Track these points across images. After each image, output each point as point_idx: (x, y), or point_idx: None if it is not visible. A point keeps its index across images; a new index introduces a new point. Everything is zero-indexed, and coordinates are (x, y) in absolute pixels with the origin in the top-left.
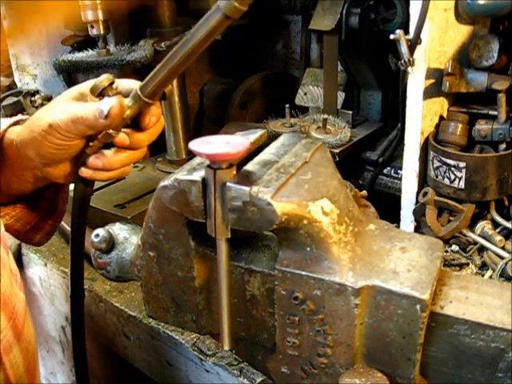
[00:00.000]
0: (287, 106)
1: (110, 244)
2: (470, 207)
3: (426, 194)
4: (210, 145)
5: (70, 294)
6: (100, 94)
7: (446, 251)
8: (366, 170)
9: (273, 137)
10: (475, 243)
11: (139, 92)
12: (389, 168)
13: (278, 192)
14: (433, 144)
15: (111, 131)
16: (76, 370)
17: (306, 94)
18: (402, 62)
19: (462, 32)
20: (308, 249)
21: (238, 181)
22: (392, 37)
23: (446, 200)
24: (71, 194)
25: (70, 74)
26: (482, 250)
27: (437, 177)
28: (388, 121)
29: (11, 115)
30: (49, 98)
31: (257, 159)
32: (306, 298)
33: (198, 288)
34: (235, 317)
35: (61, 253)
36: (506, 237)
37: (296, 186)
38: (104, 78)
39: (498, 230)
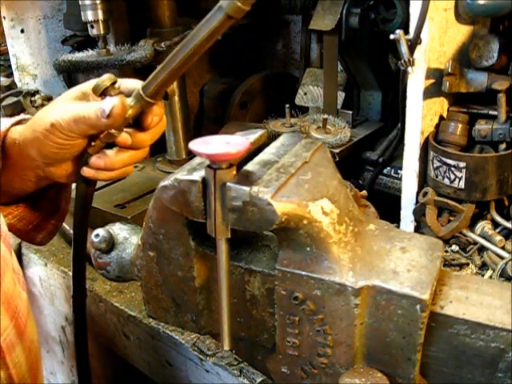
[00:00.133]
0: (287, 106)
1: (110, 244)
2: (470, 207)
3: (425, 193)
4: (209, 145)
5: (72, 293)
6: (102, 93)
7: (446, 251)
8: (366, 169)
9: (273, 137)
10: (475, 243)
11: (141, 92)
12: (389, 168)
13: (278, 192)
14: (433, 144)
15: (113, 131)
16: (78, 370)
17: (305, 93)
18: (402, 61)
19: (462, 32)
20: (308, 249)
21: (238, 181)
22: (392, 37)
23: (446, 200)
24: (74, 193)
25: (70, 74)
26: (482, 249)
27: (437, 177)
28: (388, 121)
29: (11, 115)
30: (49, 98)
31: (257, 159)
32: (306, 297)
33: (198, 288)
34: (235, 317)
35: (61, 253)
36: (506, 237)
37: (296, 186)
38: (106, 78)
39: (498, 230)
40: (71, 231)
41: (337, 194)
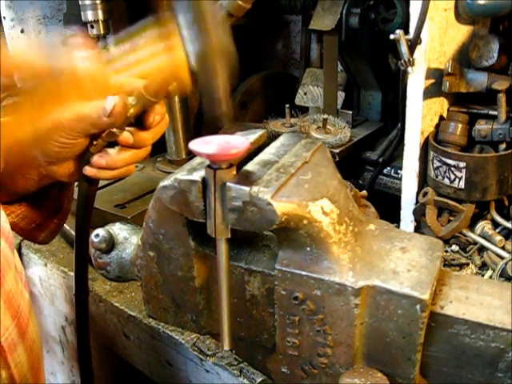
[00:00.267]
0: (287, 106)
1: (110, 244)
2: (470, 207)
3: (425, 193)
4: (209, 145)
5: (75, 293)
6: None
7: (446, 251)
8: (366, 169)
9: (273, 137)
10: (475, 243)
11: (143, 90)
12: (389, 168)
13: (278, 192)
14: (433, 144)
15: (115, 130)
16: (80, 370)
17: (305, 93)
18: (402, 61)
19: (462, 32)
20: (308, 249)
21: (238, 181)
22: (392, 37)
23: (446, 200)
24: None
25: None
26: (482, 249)
27: (437, 177)
28: (388, 121)
29: None
30: None
31: (257, 159)
32: (306, 298)
33: (198, 288)
34: (235, 317)
35: (61, 253)
36: (506, 237)
37: (296, 186)
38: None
39: (498, 230)
40: (71, 231)
41: (337, 193)
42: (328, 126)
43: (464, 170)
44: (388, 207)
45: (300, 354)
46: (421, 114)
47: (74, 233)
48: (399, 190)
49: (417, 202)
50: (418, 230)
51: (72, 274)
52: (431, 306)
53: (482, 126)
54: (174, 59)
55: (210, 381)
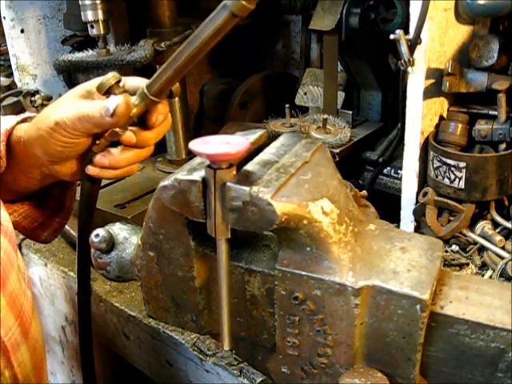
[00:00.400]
0: (287, 106)
1: (110, 244)
2: (470, 207)
3: (426, 193)
4: (209, 145)
5: (77, 292)
6: (106, 92)
7: (446, 251)
8: (366, 169)
9: (273, 137)
10: (475, 243)
11: (146, 90)
12: (389, 168)
13: (278, 192)
14: (433, 144)
15: (118, 129)
16: (83, 369)
17: (305, 93)
18: (402, 61)
19: (462, 32)
20: (308, 249)
21: (237, 181)
22: (392, 37)
23: (446, 200)
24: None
25: (70, 74)
26: (482, 249)
27: (437, 177)
28: (388, 121)
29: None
30: (49, 98)
31: (257, 159)
32: (306, 298)
33: (198, 288)
34: (235, 317)
35: (61, 253)
36: (506, 237)
37: (296, 186)
38: (111, 76)
39: (498, 230)
40: (72, 231)
41: (337, 193)
42: (328, 126)
43: (464, 170)
44: (388, 207)
45: (300, 353)
46: (421, 114)
47: (74, 233)
48: (399, 190)
49: (417, 202)
50: (418, 229)
51: (72, 274)
52: (431, 306)
53: (481, 126)
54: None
55: (210, 381)
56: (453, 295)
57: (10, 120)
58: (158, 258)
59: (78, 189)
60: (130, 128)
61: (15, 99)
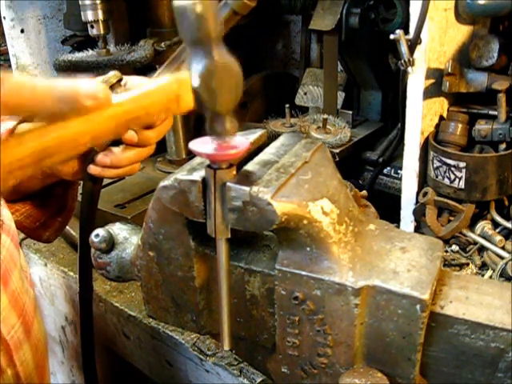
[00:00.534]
0: (287, 106)
1: (110, 244)
2: (469, 207)
3: (426, 193)
4: (209, 145)
5: (79, 291)
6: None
7: (446, 251)
8: (366, 169)
9: (273, 137)
10: (475, 243)
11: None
12: (389, 168)
13: (278, 192)
14: (433, 144)
15: None
16: (84, 368)
17: (305, 93)
18: (402, 61)
19: (462, 32)
20: (308, 249)
21: (238, 181)
22: (392, 37)
23: (446, 200)
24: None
25: (70, 74)
26: (482, 249)
27: (437, 177)
28: (388, 121)
29: None
30: None
31: (257, 159)
32: (306, 298)
33: (198, 288)
34: (235, 317)
35: (61, 253)
36: (506, 237)
37: (296, 186)
38: (112, 75)
39: (498, 230)
40: (72, 231)
41: (337, 193)
42: (328, 126)
43: (464, 170)
44: (388, 207)
45: (300, 354)
46: (421, 114)
47: (74, 233)
48: (399, 190)
49: (417, 201)
50: (418, 229)
51: (72, 274)
52: (431, 306)
53: (481, 126)
54: (178, 79)
55: (210, 381)
56: (453, 295)
57: (11, 119)
58: (158, 258)
59: (80, 189)
60: None
61: None
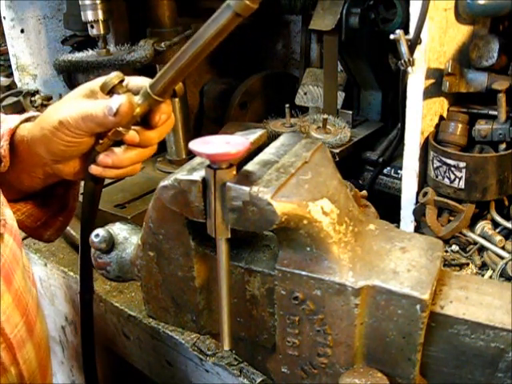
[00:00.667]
0: (287, 106)
1: (110, 244)
2: (469, 207)
3: (426, 193)
4: (209, 145)
5: (79, 291)
6: (110, 91)
7: (446, 251)
8: (366, 169)
9: (273, 137)
10: (475, 243)
11: (149, 90)
12: (389, 168)
13: (278, 192)
14: (433, 144)
15: (121, 129)
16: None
17: (305, 93)
18: (402, 61)
19: (462, 32)
20: (308, 249)
21: (238, 181)
22: (392, 37)
23: (446, 200)
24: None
25: (70, 74)
26: (482, 249)
27: (437, 177)
28: (388, 121)
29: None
30: (49, 98)
31: (257, 159)
32: (306, 298)
33: (198, 288)
34: (235, 317)
35: (61, 253)
36: (506, 237)
37: (296, 186)
38: (114, 76)
39: (498, 230)
40: (72, 231)
41: (337, 193)
42: (328, 126)
43: (464, 170)
44: (388, 207)
45: (300, 354)
46: (421, 114)
47: (74, 233)
48: (399, 190)
49: (417, 201)
50: (417, 229)
51: (72, 274)
52: (431, 306)
53: (481, 126)
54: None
55: (210, 381)
56: (453, 295)
57: (13, 119)
58: (158, 257)
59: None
60: (133, 127)
61: (15, 99)
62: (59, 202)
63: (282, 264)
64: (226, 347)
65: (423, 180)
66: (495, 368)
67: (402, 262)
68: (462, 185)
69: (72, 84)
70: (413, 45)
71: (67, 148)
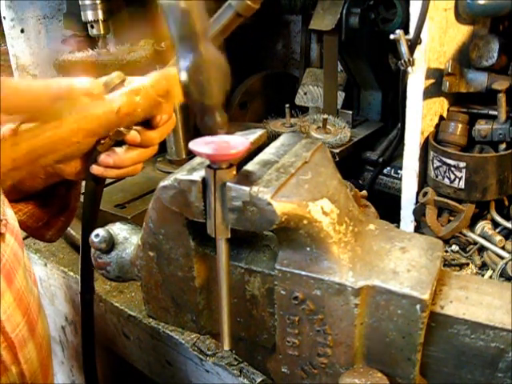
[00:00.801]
0: (287, 106)
1: (110, 244)
2: (469, 207)
3: (425, 193)
4: (209, 145)
5: (80, 291)
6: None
7: (446, 251)
8: (366, 169)
9: (273, 137)
10: (475, 243)
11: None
12: (389, 168)
13: (277, 192)
14: (433, 144)
15: (122, 129)
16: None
17: (305, 93)
18: (402, 61)
19: (462, 32)
20: (308, 249)
21: (238, 181)
22: (392, 37)
23: (446, 200)
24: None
25: (70, 74)
26: (482, 249)
27: (437, 177)
28: (388, 121)
29: None
30: None
31: (257, 159)
32: (306, 298)
33: (198, 288)
34: (235, 317)
35: (61, 253)
36: (506, 237)
37: (296, 186)
38: (115, 76)
39: (498, 230)
40: (72, 232)
41: (337, 193)
42: (328, 126)
43: (464, 170)
44: (388, 207)
45: (300, 354)
46: (421, 114)
47: (74, 233)
48: (399, 190)
49: (417, 201)
50: (417, 229)
51: (72, 274)
52: (431, 306)
53: (481, 126)
54: (166, 75)
55: (210, 381)
56: (453, 295)
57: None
58: (158, 258)
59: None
60: (134, 127)
61: None
62: (61, 202)
63: (281, 264)
64: (226, 347)
65: (423, 180)
66: (495, 368)
67: (401, 262)
68: (462, 185)
69: None
70: (413, 45)
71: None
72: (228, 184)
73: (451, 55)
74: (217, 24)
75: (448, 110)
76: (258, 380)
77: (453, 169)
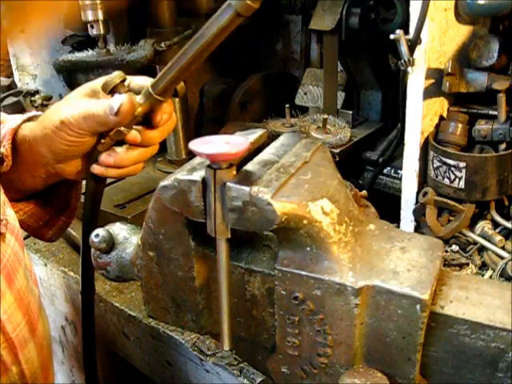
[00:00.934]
0: (287, 106)
1: (110, 244)
2: (469, 207)
3: (425, 193)
4: (209, 145)
5: (81, 291)
6: (111, 91)
7: (446, 251)
8: (366, 170)
9: (273, 137)
10: (475, 243)
11: (151, 89)
12: (389, 168)
13: (278, 192)
14: (433, 144)
15: (123, 128)
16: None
17: (305, 93)
18: (402, 61)
19: (462, 32)
20: (308, 249)
21: (238, 181)
22: (392, 37)
23: (446, 200)
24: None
25: (70, 74)
26: (482, 249)
27: (437, 177)
28: (388, 121)
29: None
30: (49, 98)
31: (257, 159)
32: (306, 298)
33: (198, 288)
34: (235, 317)
35: (61, 253)
36: (506, 237)
37: (296, 186)
38: (115, 75)
39: (498, 230)
40: (72, 232)
41: (337, 194)
42: (328, 126)
43: (464, 170)
44: (388, 207)
45: (300, 353)
46: (421, 114)
47: (74, 233)
48: (399, 190)
49: (417, 202)
50: (417, 229)
51: (72, 274)
52: (431, 306)
53: (481, 126)
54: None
55: (210, 381)
56: (453, 295)
57: (15, 119)
58: (158, 257)
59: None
60: (134, 127)
61: (15, 99)
62: (61, 202)
63: (282, 264)
64: (226, 347)
65: (423, 180)
66: (495, 368)
67: (401, 262)
68: (462, 185)
69: (72, 84)
70: (413, 45)
71: (69, 147)
72: (228, 184)
73: (451, 55)
74: (216, 24)
75: (448, 110)
76: (258, 380)
77: (453, 169)
